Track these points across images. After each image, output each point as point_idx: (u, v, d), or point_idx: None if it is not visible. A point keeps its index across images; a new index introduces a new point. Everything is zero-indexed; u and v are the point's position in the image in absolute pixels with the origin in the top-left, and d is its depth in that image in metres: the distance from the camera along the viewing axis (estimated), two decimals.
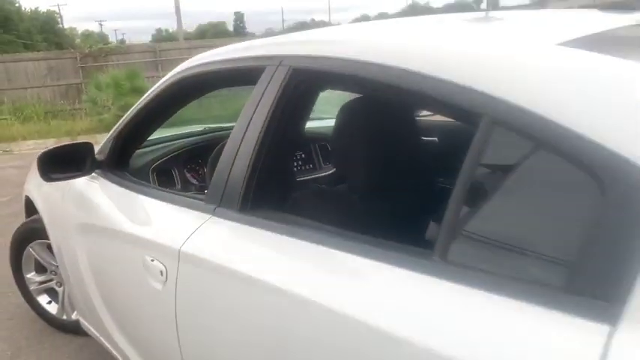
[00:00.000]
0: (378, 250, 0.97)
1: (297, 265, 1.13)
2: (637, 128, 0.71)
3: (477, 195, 0.86)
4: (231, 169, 1.38)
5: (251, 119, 1.36)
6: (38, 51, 26.40)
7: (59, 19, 58.53)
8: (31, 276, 2.98)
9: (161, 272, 1.46)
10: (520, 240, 0.83)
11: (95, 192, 2.04)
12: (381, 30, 1.40)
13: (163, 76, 1.94)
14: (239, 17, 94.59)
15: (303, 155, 2.65)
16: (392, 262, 0.94)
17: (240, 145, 1.37)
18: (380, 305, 0.92)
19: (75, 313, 2.77)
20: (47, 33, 50.69)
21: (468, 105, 0.88)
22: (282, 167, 1.45)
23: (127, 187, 1.91)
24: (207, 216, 1.41)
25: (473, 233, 0.87)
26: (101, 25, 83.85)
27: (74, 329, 2.84)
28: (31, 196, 2.78)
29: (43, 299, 3.01)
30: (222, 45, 1.80)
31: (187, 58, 1.82)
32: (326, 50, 1.26)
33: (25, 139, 10.54)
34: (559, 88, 0.80)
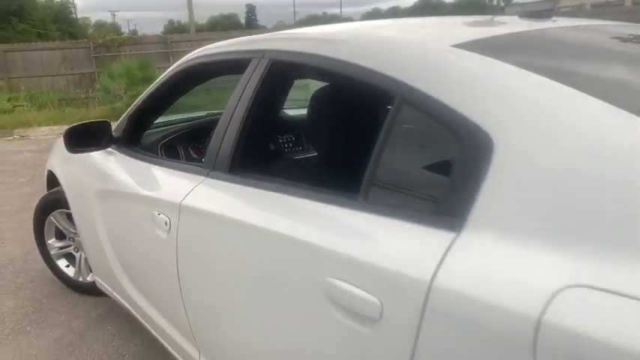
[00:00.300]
0: (325, 196, 1.32)
1: (269, 209, 1.48)
2: (477, 101, 1.05)
3: (386, 155, 1.20)
4: (222, 140, 1.73)
5: (239, 100, 1.71)
6: (52, 40, 26.90)
7: (72, 9, 58.94)
8: (52, 242, 3.35)
9: (165, 223, 1.81)
10: (409, 182, 1.17)
11: (111, 163, 2.40)
12: (341, 30, 1.73)
13: None
14: (251, 9, 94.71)
15: (293, 138, 2.98)
16: (334, 203, 1.28)
17: (229, 121, 1.72)
18: (326, 231, 1.27)
19: (90, 275, 3.13)
20: (61, 22, 51.05)
21: (387, 88, 1.23)
22: (262, 139, 1.80)
23: (138, 159, 2.26)
24: (202, 178, 1.76)
25: (381, 181, 1.22)
26: (114, 15, 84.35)
27: (88, 290, 3.21)
28: (54, 171, 3.14)
29: (61, 263, 3.37)
30: (232, 37, 2.15)
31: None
32: (296, 46, 1.60)
33: (40, 125, 10.96)
34: (439, 76, 1.15)
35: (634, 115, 0.92)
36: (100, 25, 79.06)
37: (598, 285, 0.79)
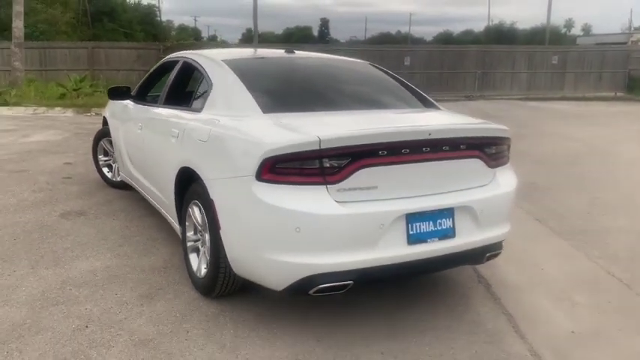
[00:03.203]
0: (181, 107, 3.80)
1: (169, 114, 3.94)
2: (214, 75, 3.51)
3: (197, 91, 3.68)
4: (165, 94, 4.24)
5: (172, 78, 4.21)
6: (137, 40, 30.82)
7: (157, 12, 63.94)
8: (101, 157, 5.97)
9: (140, 126, 4.34)
10: (199, 100, 3.62)
11: (129, 107, 4.94)
12: (206, 51, 4.19)
13: None
14: (324, 23, 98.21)
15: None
16: (184, 110, 3.75)
17: (169, 85, 4.23)
18: (177, 116, 3.72)
19: (119, 177, 5.71)
20: (146, 24, 55.80)
21: (202, 71, 3.70)
22: (178, 91, 4.30)
23: (140, 104, 4.79)
24: (157, 107, 4.27)
25: (195, 100, 3.69)
26: (195, 20, 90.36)
27: (117, 186, 5.78)
28: (105, 116, 5.77)
29: (105, 170, 5.99)
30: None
31: None
32: (188, 55, 4.10)
33: None
34: (211, 68, 3.60)
35: (244, 87, 3.30)
36: (183, 29, 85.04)
37: (224, 119, 3.16)
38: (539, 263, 4.01)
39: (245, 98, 3.20)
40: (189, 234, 3.51)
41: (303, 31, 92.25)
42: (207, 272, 3.21)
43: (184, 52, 4.46)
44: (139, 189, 4.84)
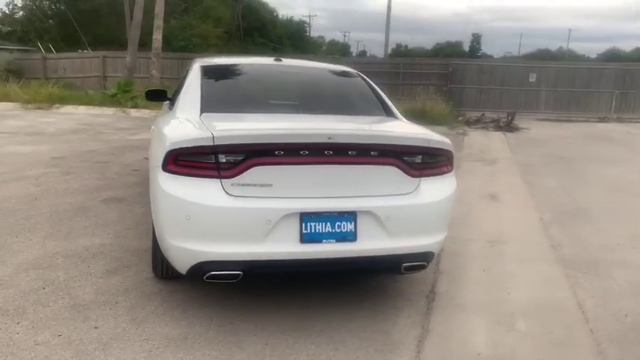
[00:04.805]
0: (170, 107, 4.21)
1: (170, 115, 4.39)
2: (191, 73, 3.84)
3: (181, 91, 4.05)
4: (179, 94, 4.70)
5: (186, 77, 4.66)
6: (285, 55, 32.86)
7: (307, 28, 67.11)
8: None
9: (159, 117, 4.86)
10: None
11: (165, 107, 5.52)
12: (222, 59, 4.54)
13: None
14: (476, 39, 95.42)
15: None
16: (169, 107, 4.16)
17: (183, 85, 4.69)
18: (164, 115, 4.15)
19: None
20: (295, 39, 59.03)
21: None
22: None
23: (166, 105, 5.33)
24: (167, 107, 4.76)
25: (172, 100, 4.06)
26: (345, 35, 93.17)
27: None
28: None
29: None
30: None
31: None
32: (194, 61, 4.50)
33: None
34: (191, 70, 3.95)
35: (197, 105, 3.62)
36: (333, 45, 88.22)
37: (175, 117, 3.54)
38: (510, 288, 3.78)
39: (194, 100, 3.53)
40: None
41: (454, 46, 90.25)
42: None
43: (198, 59, 4.90)
44: None
